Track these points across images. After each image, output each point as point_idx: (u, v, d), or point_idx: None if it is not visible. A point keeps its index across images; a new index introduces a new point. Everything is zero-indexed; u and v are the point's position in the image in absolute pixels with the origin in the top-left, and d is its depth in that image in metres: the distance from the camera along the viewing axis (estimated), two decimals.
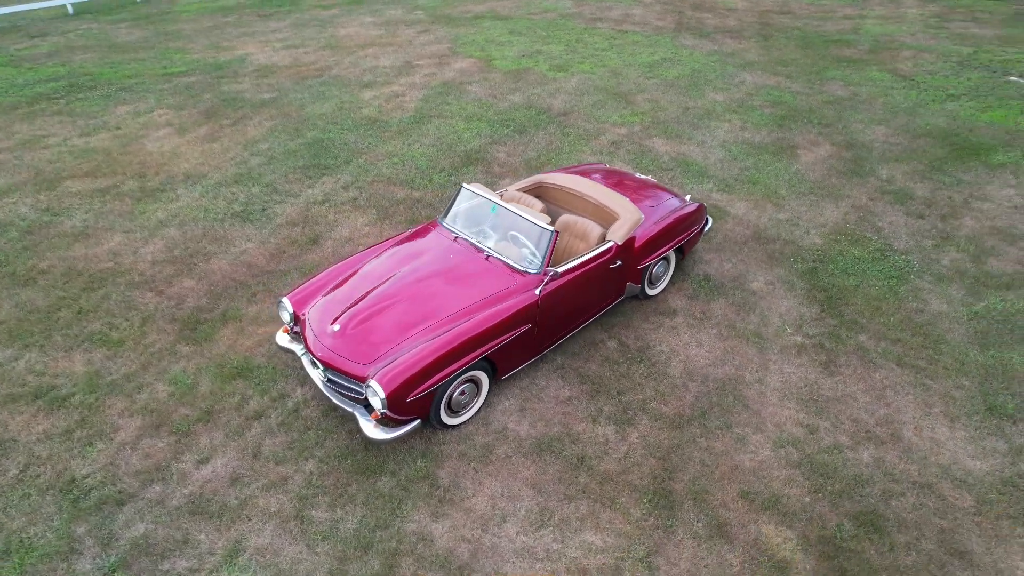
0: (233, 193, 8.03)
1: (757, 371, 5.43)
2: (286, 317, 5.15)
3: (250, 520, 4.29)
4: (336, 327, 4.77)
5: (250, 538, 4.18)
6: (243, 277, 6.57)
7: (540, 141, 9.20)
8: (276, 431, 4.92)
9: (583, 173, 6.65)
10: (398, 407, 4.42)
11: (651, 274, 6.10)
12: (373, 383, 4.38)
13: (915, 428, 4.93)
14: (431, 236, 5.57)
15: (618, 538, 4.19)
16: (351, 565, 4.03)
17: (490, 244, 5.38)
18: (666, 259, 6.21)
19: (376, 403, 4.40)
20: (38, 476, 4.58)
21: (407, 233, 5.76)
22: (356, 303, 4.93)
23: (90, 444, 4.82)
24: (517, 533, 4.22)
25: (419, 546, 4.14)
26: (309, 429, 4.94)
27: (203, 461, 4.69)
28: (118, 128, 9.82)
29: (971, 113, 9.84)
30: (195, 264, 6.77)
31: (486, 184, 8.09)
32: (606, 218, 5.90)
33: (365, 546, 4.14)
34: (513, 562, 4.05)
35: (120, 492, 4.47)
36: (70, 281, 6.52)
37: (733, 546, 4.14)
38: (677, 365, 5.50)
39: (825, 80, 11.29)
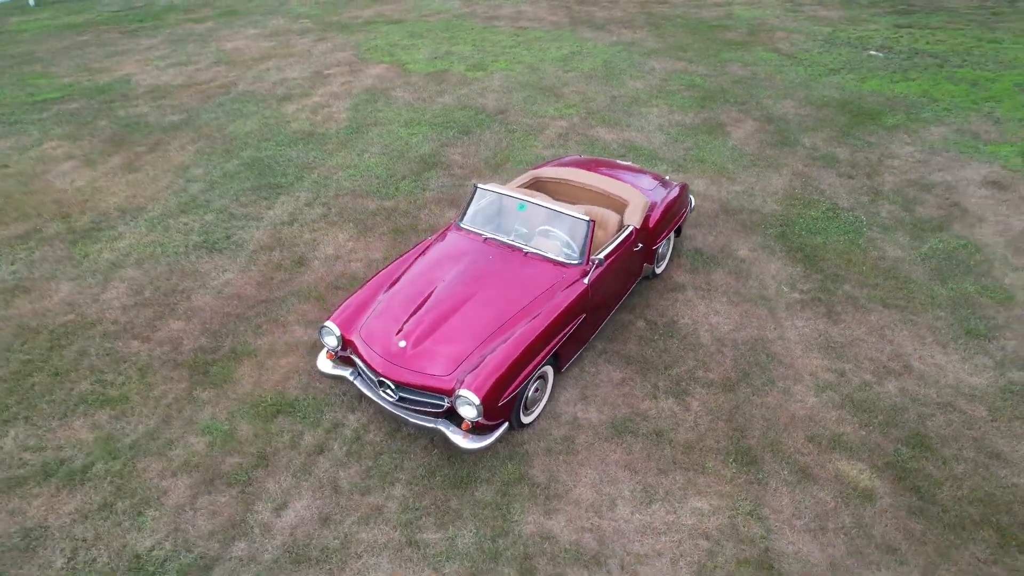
0: (185, 224, 7.37)
1: (775, 329, 5.91)
2: (332, 342, 4.88)
3: (361, 557, 4.07)
4: (403, 343, 4.61)
5: (370, 574, 3.96)
6: (237, 310, 6.09)
7: (489, 140, 9.24)
8: (346, 462, 4.67)
9: (574, 164, 6.82)
10: (491, 412, 4.37)
11: (657, 254, 6.41)
12: (464, 392, 4.29)
13: (919, 358, 5.61)
14: (459, 241, 5.49)
15: (722, 499, 4.44)
16: (493, 573, 3.95)
17: (523, 241, 5.41)
18: (667, 238, 6.55)
19: (470, 412, 4.32)
20: (94, 560, 4.03)
21: (430, 240, 5.63)
22: (412, 317, 4.79)
23: (140, 514, 4.31)
24: (632, 513, 4.33)
25: (545, 545, 4.14)
26: (381, 454, 4.73)
27: (281, 507, 4.36)
28: (5, 166, 8.62)
29: (854, 84, 11.15)
30: (175, 303, 6.17)
31: (453, 187, 8.03)
32: (615, 205, 6.11)
33: (493, 557, 4.07)
34: (640, 540, 4.17)
35: (201, 557, 4.05)
36: (28, 341, 5.71)
37: (820, 485, 4.53)
38: (705, 334, 5.84)
39: (724, 62, 12.26)
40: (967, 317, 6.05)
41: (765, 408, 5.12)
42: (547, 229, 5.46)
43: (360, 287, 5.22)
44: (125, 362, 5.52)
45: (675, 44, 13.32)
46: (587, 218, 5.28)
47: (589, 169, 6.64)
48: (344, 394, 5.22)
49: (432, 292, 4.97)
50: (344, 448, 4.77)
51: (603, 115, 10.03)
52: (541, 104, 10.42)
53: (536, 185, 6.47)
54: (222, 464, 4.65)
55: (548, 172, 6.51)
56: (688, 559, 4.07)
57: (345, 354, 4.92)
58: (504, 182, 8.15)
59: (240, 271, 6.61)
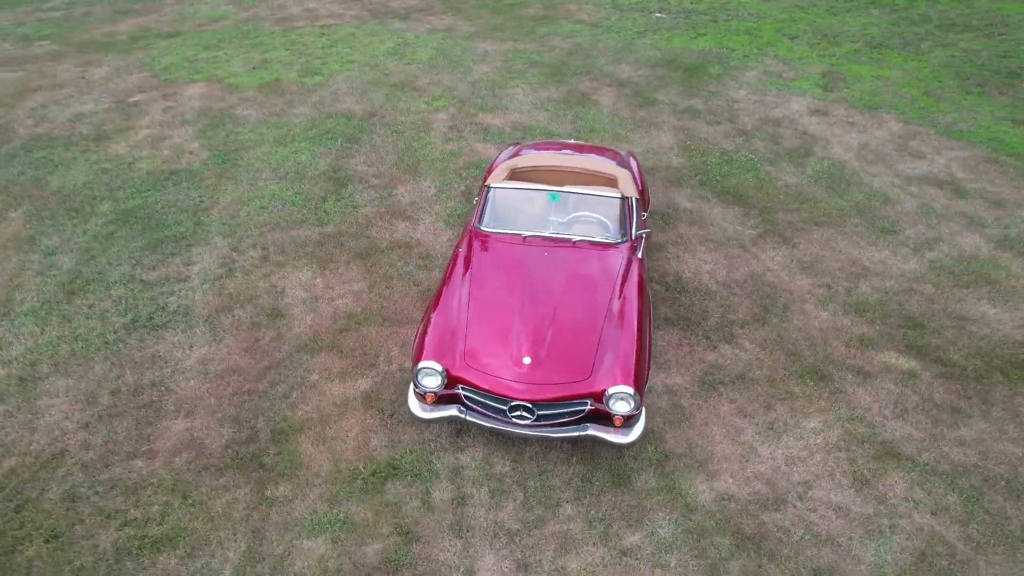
0: (90, 307, 5.86)
1: (758, 263, 6.64)
2: (436, 382, 4.41)
3: None
4: (528, 359, 4.36)
5: None
6: (243, 387, 5.11)
7: (383, 144, 8.69)
8: (497, 503, 4.32)
9: (534, 149, 6.78)
10: (641, 400, 4.36)
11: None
12: (618, 388, 4.23)
13: (867, 259, 6.76)
14: (503, 247, 5.26)
15: (824, 414, 5.00)
16: (711, 547, 4.02)
17: (564, 231, 5.35)
18: None
19: (626, 406, 4.27)
20: None
21: (463, 254, 5.27)
22: (515, 333, 4.52)
23: None
24: (772, 451, 4.69)
25: (731, 505, 4.32)
26: (526, 481, 4.45)
27: (471, 573, 3.90)
28: None
29: (664, 44, 12.51)
30: (155, 401, 4.98)
31: (385, 198, 7.48)
32: (606, 181, 6.27)
33: (699, 533, 4.14)
34: (795, 470, 4.55)
35: None
36: None
37: (879, 379, 5.33)
38: (711, 282, 6.36)
39: (542, 37, 12.86)
40: (873, 219, 7.40)
41: (798, 330, 5.81)
42: (581, 215, 5.46)
43: (426, 321, 4.74)
44: (144, 489, 4.35)
45: (488, 26, 13.59)
46: (620, 194, 5.39)
47: (557, 151, 6.69)
48: (438, 436, 4.75)
49: (517, 304, 4.71)
50: (484, 490, 4.38)
51: (476, 102, 9.98)
52: (406, 100, 10.01)
53: (516, 176, 6.34)
54: (366, 556, 3.99)
55: (521, 162, 6.42)
56: (841, 470, 4.56)
57: (449, 392, 4.47)
58: (439, 183, 7.80)
59: (212, 343, 5.50)
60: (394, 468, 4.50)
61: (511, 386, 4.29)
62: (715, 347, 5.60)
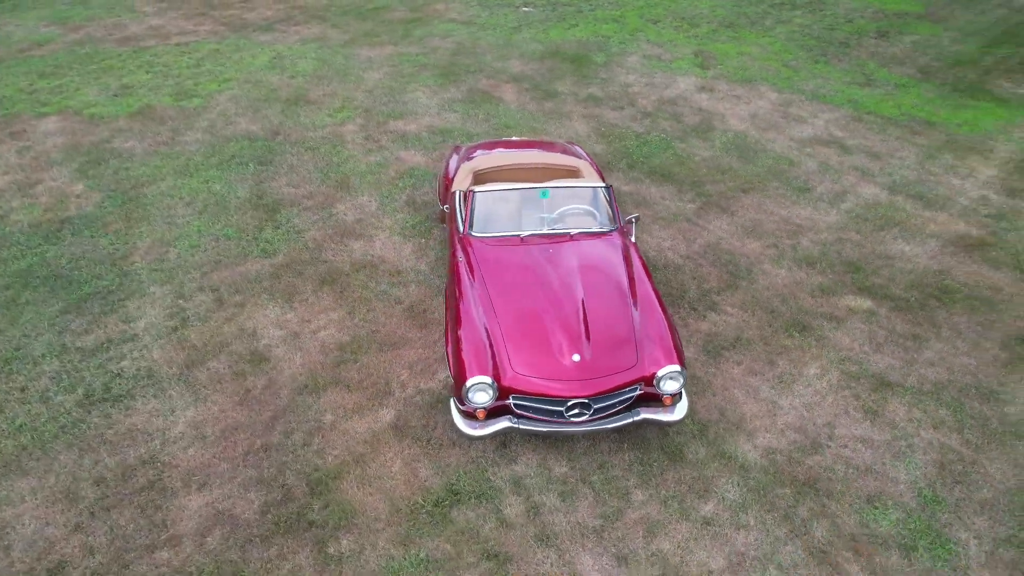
0: (22, 392, 4.99)
1: (708, 235, 7.06)
2: (487, 396, 4.27)
3: (695, 563, 3.93)
4: (577, 357, 4.35)
5: (712, 564, 3.90)
6: (255, 443, 4.62)
7: (302, 164, 8.14)
8: (570, 505, 4.28)
9: (487, 149, 6.70)
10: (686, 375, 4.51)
11: None
12: (668, 368, 4.36)
13: (797, 216, 7.44)
14: (505, 250, 5.17)
15: (819, 359, 5.47)
16: (777, 499, 4.27)
17: (559, 227, 5.36)
18: None
19: (675, 384, 4.41)
20: None
21: (465, 264, 5.11)
22: (554, 334, 4.48)
23: None
24: (791, 401, 5.06)
25: (778, 457, 4.61)
26: (589, 477, 4.44)
27: None
28: None
29: (543, 37, 12.80)
30: (154, 481, 4.36)
31: (327, 218, 7.03)
32: (571, 173, 6.36)
33: (764, 490, 4.37)
34: (817, 413, 4.94)
35: None
36: None
37: (849, 321, 5.91)
38: (675, 257, 6.68)
39: (422, 39, 12.65)
40: (787, 180, 8.14)
41: (767, 289, 6.27)
42: (569, 208, 5.49)
43: (455, 339, 4.58)
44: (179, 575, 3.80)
45: (361, 32, 13.12)
46: (605, 184, 5.50)
47: (508, 149, 6.66)
48: (484, 451, 4.60)
49: (542, 305, 4.67)
50: (552, 495, 4.32)
51: (381, 110, 9.63)
52: (306, 115, 9.44)
53: (481, 179, 6.25)
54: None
55: (481, 164, 6.33)
56: (853, 405, 5.03)
57: (497, 404, 4.34)
58: (379, 197, 7.46)
59: (196, 403, 4.89)
60: (455, 493, 4.30)
61: (567, 386, 4.26)
62: (704, 316, 5.90)
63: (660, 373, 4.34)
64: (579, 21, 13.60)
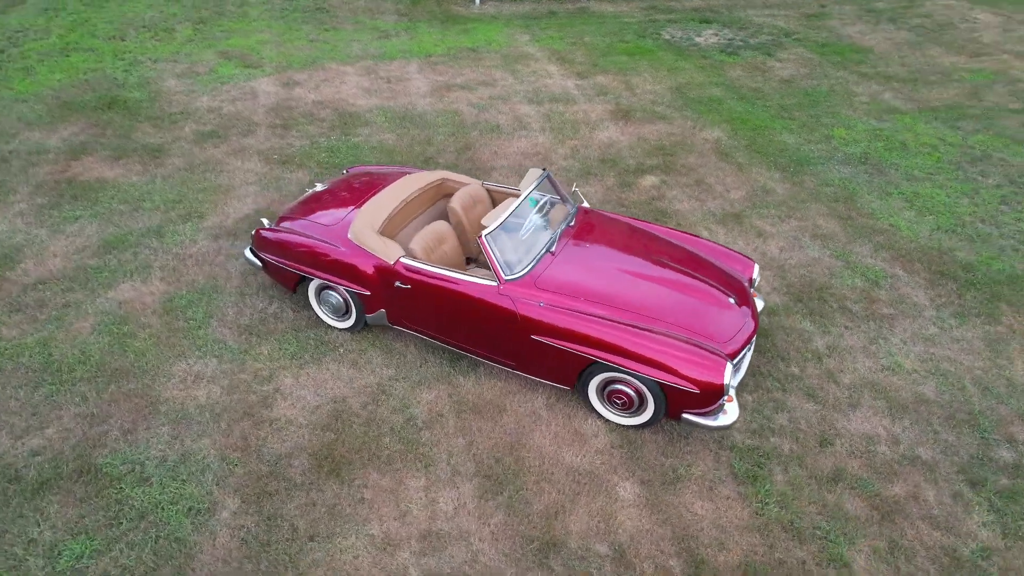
0: None
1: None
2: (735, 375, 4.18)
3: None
4: (733, 299, 4.55)
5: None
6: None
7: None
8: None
9: (351, 201, 5.34)
10: None
11: None
12: (756, 272, 5.00)
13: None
14: (550, 277, 4.60)
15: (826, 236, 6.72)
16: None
17: (560, 223, 4.99)
18: None
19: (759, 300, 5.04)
20: None
21: (547, 308, 4.33)
22: (693, 325, 4.42)
23: None
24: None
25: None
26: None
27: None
28: None
29: None
30: None
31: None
32: (440, 187, 5.65)
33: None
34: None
35: None
36: None
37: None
38: None
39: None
40: (742, 150, 8.65)
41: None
42: (546, 203, 5.04)
43: (658, 368, 4.08)
44: None
45: None
46: (543, 168, 5.23)
47: (380, 185, 5.56)
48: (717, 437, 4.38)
49: (650, 303, 4.49)
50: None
51: None
52: None
53: (389, 231, 5.10)
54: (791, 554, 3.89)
55: (372, 219, 5.05)
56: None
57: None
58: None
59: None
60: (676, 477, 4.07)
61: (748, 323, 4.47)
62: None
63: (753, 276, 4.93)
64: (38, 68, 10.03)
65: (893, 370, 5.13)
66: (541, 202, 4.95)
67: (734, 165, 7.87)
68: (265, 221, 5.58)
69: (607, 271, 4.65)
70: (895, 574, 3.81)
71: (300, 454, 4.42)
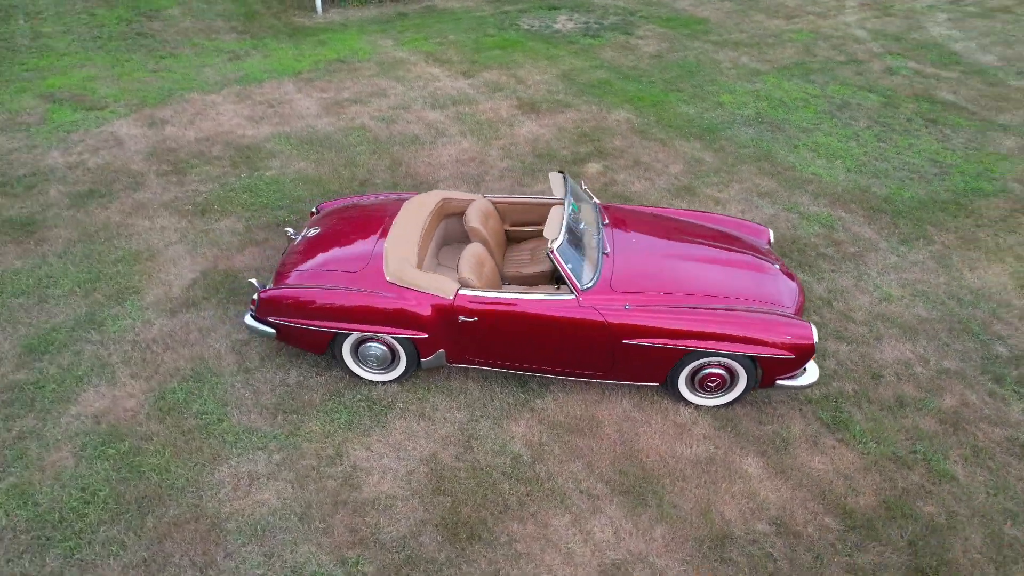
0: None
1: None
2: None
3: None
4: (777, 264, 4.88)
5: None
6: None
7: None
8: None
9: (374, 220, 4.82)
10: None
11: None
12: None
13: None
14: (622, 277, 4.56)
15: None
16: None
17: (599, 218, 4.95)
18: None
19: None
20: None
21: (632, 309, 4.27)
22: (763, 299, 4.65)
23: None
24: None
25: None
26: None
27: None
28: None
29: None
30: None
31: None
32: (448, 202, 5.31)
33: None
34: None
35: None
36: None
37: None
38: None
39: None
40: (701, 131, 8.15)
41: None
42: (578, 202, 4.93)
43: (754, 328, 4.21)
44: None
45: None
46: (560, 171, 5.11)
47: (381, 216, 4.98)
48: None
49: (707, 287, 4.62)
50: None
51: None
52: None
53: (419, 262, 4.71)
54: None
55: (400, 251, 4.62)
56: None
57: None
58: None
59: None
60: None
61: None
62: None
63: (771, 240, 5.24)
64: None
65: (888, 300, 5.79)
66: (580, 206, 4.86)
67: (656, 141, 8.27)
68: (255, 281, 4.84)
69: (661, 261, 4.71)
70: (990, 474, 4.36)
71: (425, 528, 3.94)
